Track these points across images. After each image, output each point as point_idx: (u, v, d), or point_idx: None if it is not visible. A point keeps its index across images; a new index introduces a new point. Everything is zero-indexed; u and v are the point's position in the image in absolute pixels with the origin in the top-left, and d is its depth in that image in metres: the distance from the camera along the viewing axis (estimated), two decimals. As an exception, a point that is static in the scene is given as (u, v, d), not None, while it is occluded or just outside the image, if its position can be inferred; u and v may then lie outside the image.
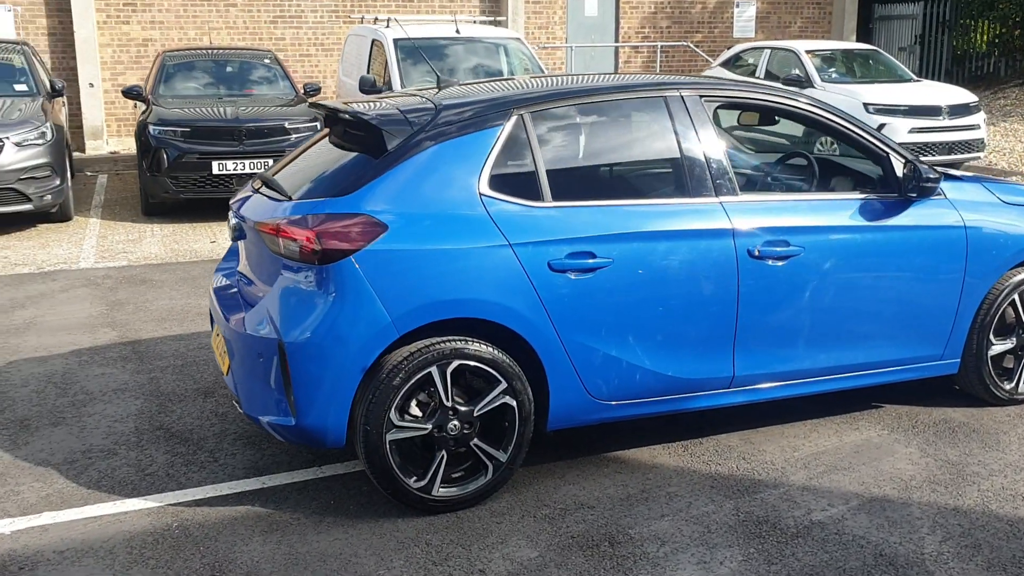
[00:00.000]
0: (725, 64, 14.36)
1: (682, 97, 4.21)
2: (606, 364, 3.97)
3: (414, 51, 10.62)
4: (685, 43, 17.55)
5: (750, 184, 4.78)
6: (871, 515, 3.78)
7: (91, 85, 13.69)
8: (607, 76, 4.48)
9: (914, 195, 4.38)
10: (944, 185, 4.55)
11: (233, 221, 4.23)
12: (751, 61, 13.84)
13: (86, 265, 8.17)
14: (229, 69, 11.23)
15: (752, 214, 4.15)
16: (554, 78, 4.50)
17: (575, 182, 4.04)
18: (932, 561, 3.45)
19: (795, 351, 4.29)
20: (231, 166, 9.47)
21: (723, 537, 3.64)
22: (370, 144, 3.91)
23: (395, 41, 10.76)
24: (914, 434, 4.54)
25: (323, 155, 4.22)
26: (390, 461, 3.71)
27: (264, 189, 4.14)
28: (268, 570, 3.46)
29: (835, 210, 4.31)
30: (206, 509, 3.91)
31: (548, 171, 3.94)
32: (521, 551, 3.56)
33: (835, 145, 6.85)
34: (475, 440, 3.83)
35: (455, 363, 3.73)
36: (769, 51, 13.65)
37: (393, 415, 3.68)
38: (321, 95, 11.89)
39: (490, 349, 3.78)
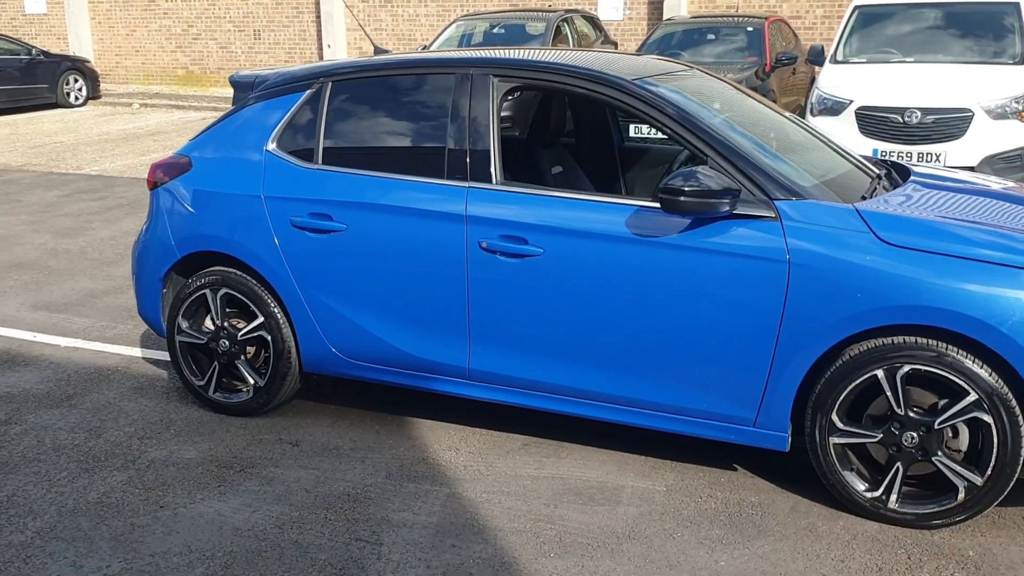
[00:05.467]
0: None
1: (471, 76, 4.08)
2: (342, 324, 4.24)
3: (880, 18, 9.83)
4: None
5: (538, 177, 4.29)
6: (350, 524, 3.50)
7: None
8: (437, 53, 4.44)
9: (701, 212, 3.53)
10: (789, 206, 3.53)
11: None
12: None
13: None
14: None
15: (496, 205, 3.90)
16: (393, 55, 4.61)
17: (347, 150, 4.28)
18: None
19: (540, 361, 3.91)
20: None
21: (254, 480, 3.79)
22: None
23: (857, 7, 10.02)
24: (681, 498, 3.72)
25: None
26: (179, 358, 4.62)
27: None
28: (106, 413, 4.65)
29: (604, 213, 3.75)
30: (160, 371, 5.23)
31: (327, 137, 4.30)
32: (185, 451, 4.22)
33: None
34: (239, 360, 4.50)
35: (223, 290, 4.45)
36: None
37: (181, 321, 4.58)
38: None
39: (251, 286, 4.39)
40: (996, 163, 8.44)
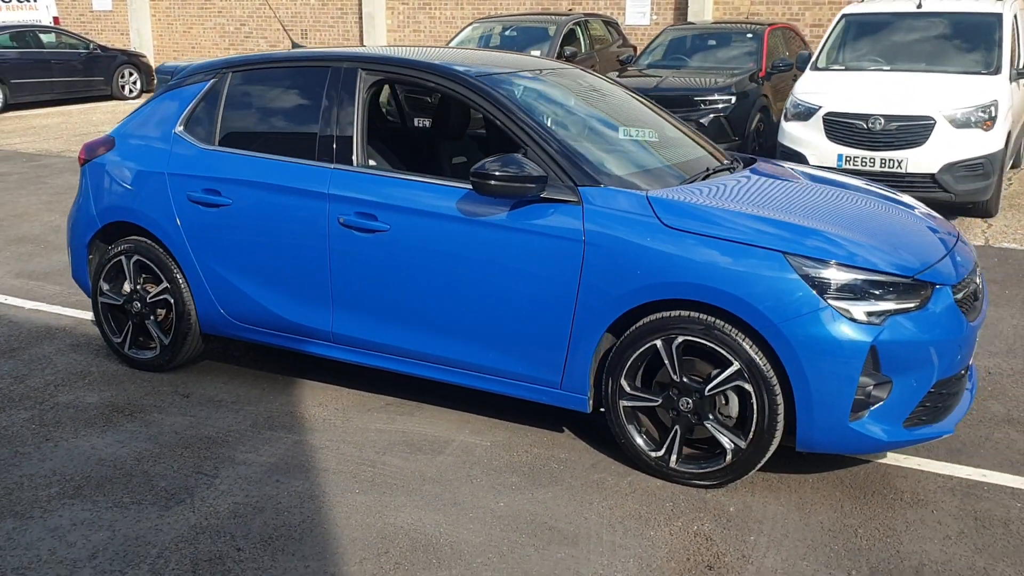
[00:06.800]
0: None
1: (342, 69, 4.54)
2: (229, 289, 4.74)
3: (865, 27, 10.04)
4: None
5: (398, 160, 4.72)
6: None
7: None
8: (317, 50, 4.91)
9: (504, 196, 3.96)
10: (591, 192, 3.91)
11: None
12: None
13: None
14: None
15: (353, 185, 4.36)
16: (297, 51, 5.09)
17: (240, 133, 4.78)
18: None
19: (388, 327, 4.35)
20: None
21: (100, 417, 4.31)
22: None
23: (844, 15, 10.26)
24: (498, 452, 4.13)
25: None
26: (100, 317, 5.19)
27: None
28: (37, 364, 5.27)
29: (439, 195, 4.18)
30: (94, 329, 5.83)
31: (224, 121, 4.81)
32: (89, 397, 4.77)
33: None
34: (149, 321, 5.04)
35: (135, 257, 5.00)
36: None
37: (103, 284, 5.14)
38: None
39: (157, 254, 4.92)
40: (957, 171, 8.59)
